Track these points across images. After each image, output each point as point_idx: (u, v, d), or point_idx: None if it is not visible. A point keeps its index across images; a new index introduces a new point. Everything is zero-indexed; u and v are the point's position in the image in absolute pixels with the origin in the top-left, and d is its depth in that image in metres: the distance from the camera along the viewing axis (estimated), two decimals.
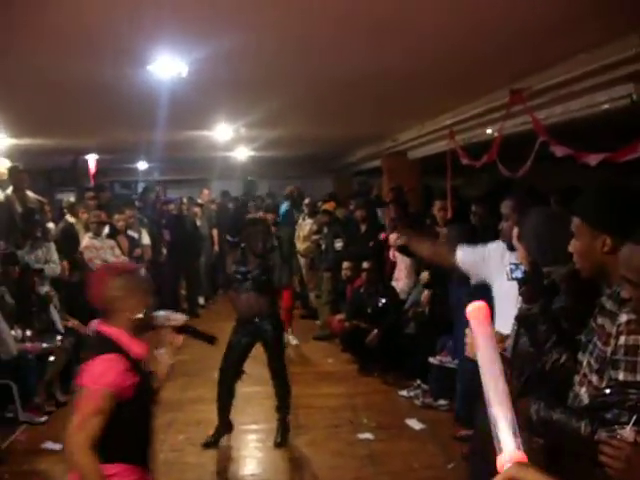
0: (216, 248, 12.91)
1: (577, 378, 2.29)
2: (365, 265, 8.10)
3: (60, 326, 7.22)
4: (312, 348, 9.32)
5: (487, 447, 3.19)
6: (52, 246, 7.44)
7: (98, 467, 2.62)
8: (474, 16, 3.42)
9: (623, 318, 2.11)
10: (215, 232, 12.95)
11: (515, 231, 3.18)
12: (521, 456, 0.89)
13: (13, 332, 6.43)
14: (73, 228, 8.44)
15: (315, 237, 10.20)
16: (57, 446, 5.84)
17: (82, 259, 7.91)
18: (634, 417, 1.96)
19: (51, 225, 8.23)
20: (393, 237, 8.22)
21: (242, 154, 11.86)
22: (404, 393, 7.08)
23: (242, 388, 6.72)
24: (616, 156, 3.93)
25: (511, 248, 3.44)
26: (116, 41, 3.90)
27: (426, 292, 7.21)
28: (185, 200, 12.43)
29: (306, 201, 11.24)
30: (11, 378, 6.22)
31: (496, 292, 3.57)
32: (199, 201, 13.04)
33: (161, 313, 3.24)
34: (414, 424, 6.30)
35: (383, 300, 7.82)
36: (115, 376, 2.72)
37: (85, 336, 7.30)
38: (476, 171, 6.55)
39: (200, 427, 6.29)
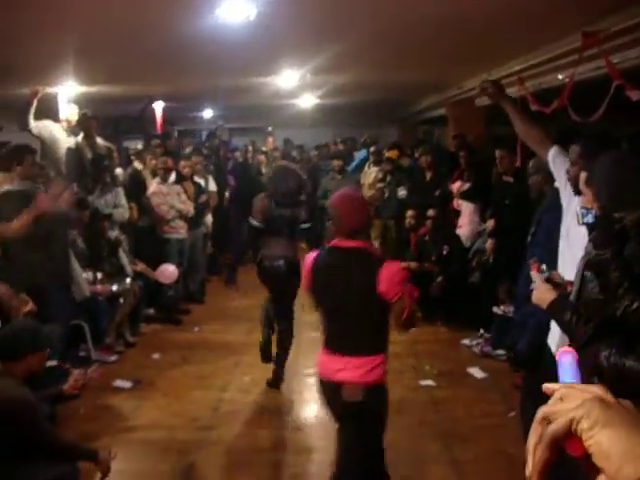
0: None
1: None
2: (430, 213, 8.04)
3: (129, 270, 7.41)
4: None
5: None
6: (121, 191, 7.60)
7: None
8: None
9: None
10: None
11: (583, 175, 3.07)
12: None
13: (85, 275, 6.62)
14: (140, 174, 8.61)
15: (380, 185, 10.15)
16: (126, 384, 6.07)
17: (149, 204, 8.07)
18: None
19: (119, 171, 8.38)
20: (457, 185, 8.22)
21: (307, 101, 11.79)
22: (466, 342, 7.09)
23: (307, 333, 6.83)
24: None
25: (577, 193, 3.36)
26: None
27: (490, 241, 7.14)
28: (250, 148, 12.47)
29: (372, 149, 11.16)
30: (83, 319, 6.45)
31: (563, 234, 3.49)
32: (263, 149, 13.08)
33: None
34: (476, 372, 6.31)
35: (447, 248, 7.78)
36: None
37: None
38: (544, 121, 6.39)
39: (265, 369, 6.40)
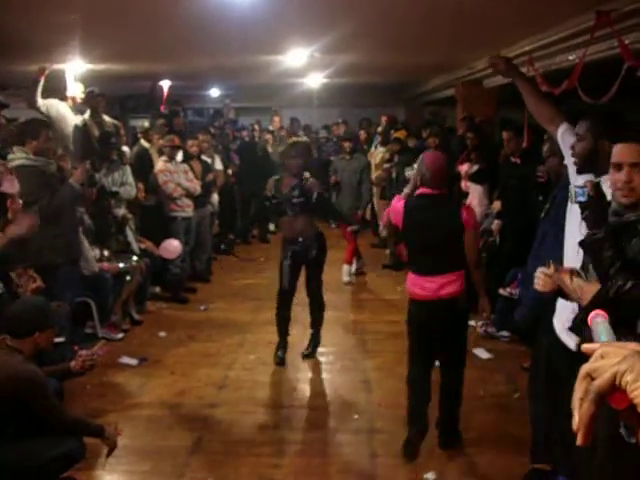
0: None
1: None
2: None
3: (136, 247, 7.42)
4: (381, 276, 9.37)
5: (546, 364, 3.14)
6: (128, 169, 7.59)
7: None
8: None
9: None
10: None
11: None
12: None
13: (92, 252, 6.64)
14: (147, 152, 8.60)
15: (386, 165, 10.12)
16: (133, 361, 6.10)
17: (156, 183, 8.06)
18: None
19: (126, 149, 8.38)
20: (465, 167, 8.19)
21: (315, 81, 11.74)
22: (472, 323, 7.07)
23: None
24: None
25: (580, 171, 3.33)
26: None
27: (496, 222, 7.13)
28: (257, 127, 12.44)
29: (378, 129, 11.12)
30: (90, 296, 6.47)
31: (568, 216, 3.47)
32: (270, 128, 13.05)
33: None
34: (481, 353, 6.32)
35: None
36: None
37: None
38: (553, 102, 6.35)
39: (270, 347, 6.44)
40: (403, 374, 5.70)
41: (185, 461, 4.37)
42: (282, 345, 6.27)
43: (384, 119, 12.22)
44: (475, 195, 7.87)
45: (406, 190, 4.81)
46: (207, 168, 9.03)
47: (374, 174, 10.35)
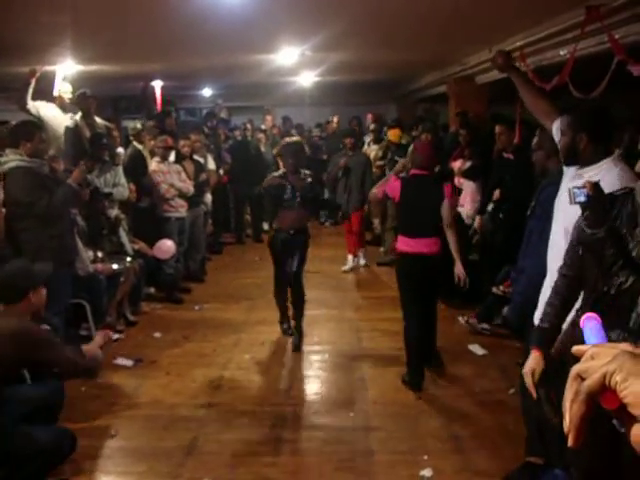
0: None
1: None
2: None
3: (129, 248, 7.41)
4: (376, 273, 9.37)
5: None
6: (120, 170, 7.57)
7: None
8: None
9: None
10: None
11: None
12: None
13: (89, 253, 6.64)
14: (140, 154, 8.55)
15: (379, 163, 10.14)
16: (128, 362, 6.09)
17: (151, 184, 8.03)
18: None
19: (121, 150, 8.36)
20: (458, 163, 8.20)
21: (307, 79, 11.74)
22: (459, 319, 7.11)
23: (307, 311, 6.83)
24: None
25: (566, 163, 3.38)
26: None
27: (477, 218, 7.20)
28: (249, 126, 12.43)
29: (371, 127, 11.13)
30: (84, 298, 6.45)
31: (557, 215, 3.48)
32: (262, 127, 13.04)
33: None
34: (476, 349, 6.33)
35: None
36: None
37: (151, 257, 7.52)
38: (550, 97, 6.35)
39: (264, 347, 6.46)
40: (399, 371, 5.75)
41: (181, 461, 4.36)
42: (284, 319, 6.87)
43: (369, 117, 12.26)
44: (468, 191, 7.89)
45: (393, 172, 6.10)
46: (200, 168, 9.01)
47: None
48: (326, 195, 10.61)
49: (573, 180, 3.29)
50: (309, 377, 5.87)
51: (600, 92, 4.44)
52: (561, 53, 5.81)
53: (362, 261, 9.85)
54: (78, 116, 7.86)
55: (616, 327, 2.17)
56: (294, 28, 6.45)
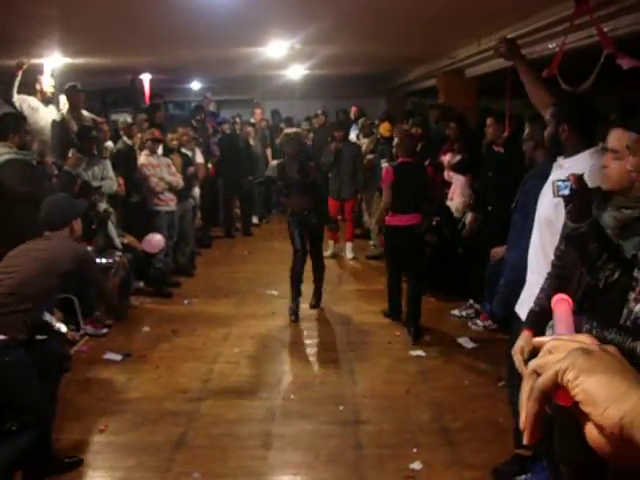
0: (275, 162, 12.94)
1: (632, 295, 2.20)
2: None
3: (118, 242, 7.37)
4: (365, 267, 9.37)
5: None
6: (108, 163, 7.52)
7: None
8: None
9: None
10: (269, 152, 12.96)
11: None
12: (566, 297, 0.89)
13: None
14: (131, 150, 8.49)
15: (370, 156, 10.13)
16: (117, 357, 6.08)
17: (142, 176, 7.99)
18: None
19: (110, 144, 8.31)
20: (448, 157, 8.19)
21: (296, 73, 11.72)
22: (456, 312, 7.11)
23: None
24: None
25: (550, 153, 3.39)
26: None
27: (470, 215, 7.19)
28: (238, 120, 12.40)
29: (360, 121, 11.13)
30: (72, 293, 6.41)
31: (538, 206, 3.47)
32: (252, 120, 13.01)
33: None
34: (466, 342, 6.34)
35: (437, 218, 7.77)
36: None
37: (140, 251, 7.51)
38: (551, 88, 6.34)
39: (254, 341, 6.45)
40: (388, 365, 5.77)
41: (170, 456, 4.35)
42: (295, 299, 7.19)
43: (354, 110, 12.29)
44: (458, 185, 7.87)
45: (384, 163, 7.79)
46: (187, 161, 8.97)
47: None
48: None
49: (555, 171, 3.29)
50: (298, 371, 5.86)
51: (590, 85, 4.44)
52: (550, 46, 5.81)
53: (350, 254, 9.87)
54: (65, 109, 7.81)
55: (608, 324, 2.15)
56: (283, 21, 6.43)
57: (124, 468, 4.26)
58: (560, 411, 0.81)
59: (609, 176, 2.52)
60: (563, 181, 2.86)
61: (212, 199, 11.15)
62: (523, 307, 3.39)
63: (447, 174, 8.05)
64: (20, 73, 6.91)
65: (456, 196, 7.86)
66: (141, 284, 8.23)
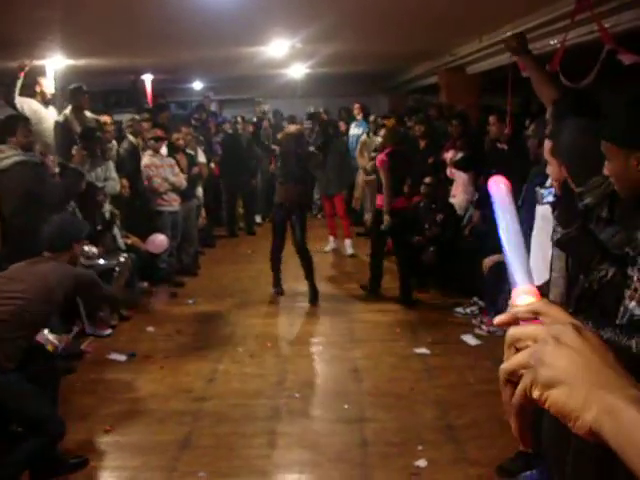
0: (273, 166, 12.95)
1: (628, 292, 2.22)
2: (427, 180, 8.00)
3: (121, 243, 7.38)
4: (366, 264, 9.34)
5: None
6: (111, 164, 7.53)
7: None
8: None
9: None
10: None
11: (548, 144, 2.99)
12: (537, 291, 0.88)
13: (87, 248, 6.62)
14: (137, 149, 8.50)
15: (374, 154, 10.12)
16: (122, 357, 6.08)
17: (147, 177, 8.00)
18: None
19: (114, 143, 8.31)
20: (450, 154, 8.20)
21: (298, 71, 11.74)
22: (460, 310, 7.11)
23: (299, 303, 6.84)
24: None
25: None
26: None
27: (476, 212, 7.19)
28: (239, 119, 12.42)
29: (371, 118, 11.17)
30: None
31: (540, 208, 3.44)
32: (253, 120, 13.00)
33: None
34: (470, 340, 6.34)
35: (441, 216, 7.77)
36: None
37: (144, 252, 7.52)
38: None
39: (258, 339, 6.45)
40: (392, 362, 5.77)
41: (176, 455, 4.36)
42: (277, 283, 7.85)
43: (357, 107, 12.32)
44: (460, 182, 7.89)
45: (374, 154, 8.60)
46: (192, 161, 8.99)
47: (369, 163, 10.39)
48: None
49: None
50: (302, 369, 5.87)
51: (591, 81, 4.44)
52: (551, 42, 5.81)
53: (349, 251, 9.89)
54: (68, 110, 7.82)
55: (603, 324, 2.15)
56: (285, 21, 6.44)
57: (130, 468, 4.27)
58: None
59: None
60: (545, 188, 2.84)
61: (215, 199, 11.16)
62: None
63: (450, 171, 8.06)
64: (22, 75, 6.92)
65: (459, 193, 7.87)
66: (145, 284, 8.24)
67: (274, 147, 11.97)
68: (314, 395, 5.29)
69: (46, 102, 7.49)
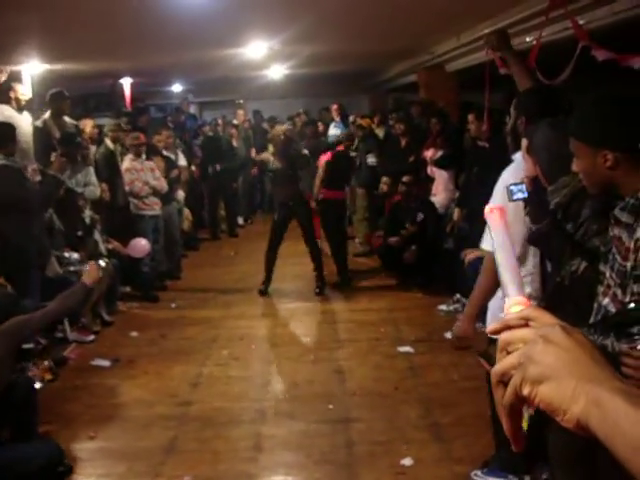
0: (255, 170, 12.95)
1: (601, 289, 2.22)
2: (405, 179, 8.02)
3: (103, 248, 7.34)
4: (352, 264, 9.38)
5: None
6: (91, 169, 7.49)
7: None
8: None
9: None
10: (253, 152, 12.93)
11: (524, 142, 3.00)
12: (527, 302, 0.90)
13: (67, 254, 6.59)
14: (114, 154, 8.43)
15: (353, 154, 10.14)
16: (105, 362, 6.05)
17: (128, 181, 7.97)
18: None
19: (92, 148, 8.26)
20: (430, 153, 8.22)
21: (277, 73, 11.73)
22: (443, 307, 7.13)
23: (283, 304, 6.84)
24: None
25: (514, 146, 3.36)
26: None
27: (457, 210, 7.21)
28: (220, 121, 12.39)
29: (351, 119, 11.18)
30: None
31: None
32: (234, 122, 12.98)
33: None
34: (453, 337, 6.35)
35: (421, 215, 7.79)
36: None
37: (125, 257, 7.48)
38: (514, 86, 6.37)
39: (243, 342, 6.45)
40: (376, 362, 5.78)
41: (161, 460, 4.34)
42: (267, 281, 7.95)
43: (334, 108, 12.33)
44: (441, 181, 7.91)
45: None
46: (171, 164, 8.95)
47: None
48: None
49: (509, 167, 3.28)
50: (287, 371, 5.87)
51: (567, 77, 4.46)
52: (527, 40, 5.84)
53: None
54: (47, 115, 7.76)
55: (577, 320, 2.15)
56: (262, 23, 6.45)
57: (115, 474, 4.25)
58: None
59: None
60: (516, 185, 2.85)
61: (197, 201, 11.14)
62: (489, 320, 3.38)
63: (430, 169, 8.08)
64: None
65: (439, 191, 7.90)
66: (128, 289, 8.21)
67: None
68: (299, 397, 5.28)
69: (20, 108, 7.40)
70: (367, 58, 10.62)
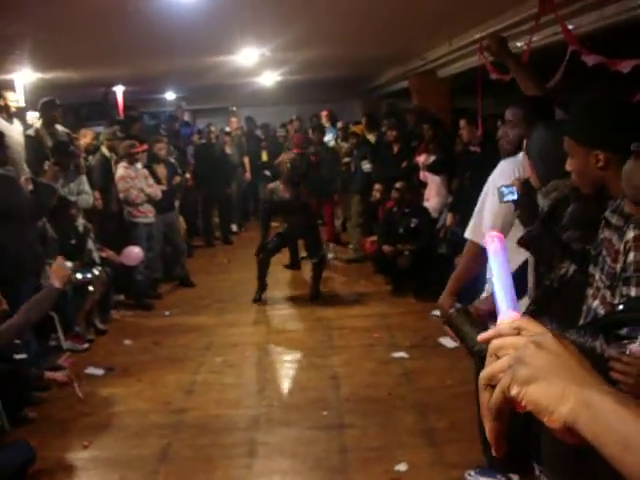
0: (248, 175, 12.95)
1: (590, 291, 2.23)
2: (397, 185, 8.03)
3: (96, 257, 7.33)
4: (346, 270, 9.39)
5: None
6: (84, 178, 7.48)
7: None
8: None
9: (630, 234, 2.03)
10: (247, 160, 12.93)
11: (524, 143, 3.02)
12: (518, 316, 0.92)
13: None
14: (108, 162, 8.42)
15: (346, 160, 10.16)
16: (99, 371, 6.04)
17: (123, 189, 7.96)
18: None
19: (90, 157, 8.25)
20: (422, 158, 8.24)
21: (269, 79, 11.74)
22: (437, 313, 7.10)
23: (277, 310, 6.82)
24: None
25: (506, 153, 3.38)
26: None
27: (449, 215, 7.22)
28: (213, 128, 12.41)
29: (339, 124, 11.19)
30: (51, 309, 6.35)
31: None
32: (227, 129, 12.98)
33: None
34: (448, 342, 6.34)
35: (415, 220, 7.79)
36: None
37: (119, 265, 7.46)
38: (506, 91, 6.38)
39: (237, 349, 6.44)
40: (370, 368, 5.77)
41: (155, 468, 4.33)
42: (261, 287, 7.91)
43: (324, 114, 12.35)
44: (433, 186, 7.93)
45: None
46: (173, 171, 8.95)
47: None
48: None
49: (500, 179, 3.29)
50: (281, 377, 5.87)
51: (557, 81, 4.47)
52: (518, 45, 5.86)
53: (330, 255, 9.88)
54: (39, 124, 7.75)
55: (566, 323, 2.16)
56: (253, 30, 6.45)
57: None
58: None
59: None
60: (507, 187, 2.85)
61: (190, 209, 11.13)
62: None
63: (422, 175, 8.09)
64: None
65: (432, 197, 7.91)
66: (121, 297, 8.19)
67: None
68: (293, 403, 5.27)
69: (10, 116, 7.38)
70: (359, 64, 10.64)
